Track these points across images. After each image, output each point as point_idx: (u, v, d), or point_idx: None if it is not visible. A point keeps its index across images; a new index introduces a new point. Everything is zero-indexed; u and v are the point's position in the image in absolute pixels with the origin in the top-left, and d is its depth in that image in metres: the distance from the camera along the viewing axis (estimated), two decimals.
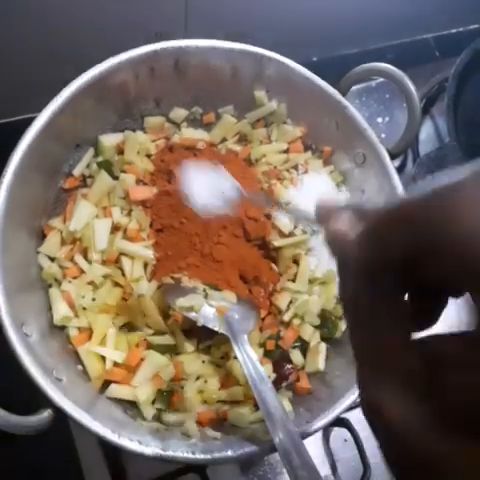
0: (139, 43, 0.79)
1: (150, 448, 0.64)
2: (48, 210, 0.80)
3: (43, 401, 0.63)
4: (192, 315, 0.75)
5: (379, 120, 1.16)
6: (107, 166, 0.82)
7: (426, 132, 1.18)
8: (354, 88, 1.15)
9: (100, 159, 0.83)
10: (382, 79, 1.15)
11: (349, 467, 0.92)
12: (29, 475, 0.84)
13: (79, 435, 0.83)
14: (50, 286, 0.77)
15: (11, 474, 0.84)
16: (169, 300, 0.76)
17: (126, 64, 0.78)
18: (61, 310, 0.74)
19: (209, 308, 0.76)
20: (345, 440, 0.92)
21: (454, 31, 1.30)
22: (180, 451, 0.65)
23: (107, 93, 0.80)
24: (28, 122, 0.72)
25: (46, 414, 0.63)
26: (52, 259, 0.78)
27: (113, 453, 0.84)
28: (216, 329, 0.75)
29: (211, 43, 0.82)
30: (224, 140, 0.91)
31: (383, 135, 1.10)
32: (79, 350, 0.74)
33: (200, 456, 0.65)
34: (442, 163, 0.97)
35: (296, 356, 0.82)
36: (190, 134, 0.89)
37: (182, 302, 0.74)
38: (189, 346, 0.78)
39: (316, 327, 0.83)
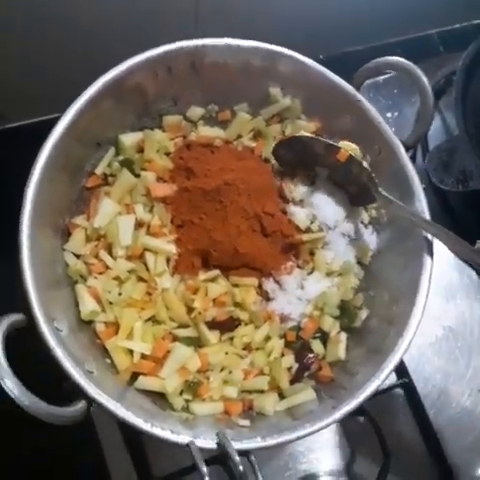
0: (157, 43, 0.80)
1: (182, 436, 0.66)
2: (71, 208, 0.81)
3: (76, 393, 0.65)
4: None
5: (388, 115, 1.17)
6: (128, 164, 0.83)
7: (433, 125, 1.19)
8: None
9: (121, 158, 0.84)
10: (390, 75, 1.18)
11: (367, 455, 0.92)
12: (57, 468, 0.86)
13: (102, 429, 0.85)
14: (76, 282, 0.78)
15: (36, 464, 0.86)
16: None
17: (144, 64, 0.80)
18: (88, 305, 0.76)
19: None
20: (363, 428, 0.92)
21: (457, 26, 1.31)
22: (211, 439, 0.67)
23: (126, 93, 0.81)
24: (50, 122, 0.73)
25: (80, 405, 0.64)
26: (77, 256, 0.79)
27: (136, 446, 0.85)
28: None
29: (226, 41, 0.83)
30: (239, 137, 0.92)
31: (393, 129, 1.11)
32: (106, 344, 0.76)
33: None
34: (453, 155, 0.98)
35: (317, 346, 0.84)
36: (206, 132, 0.90)
37: None
38: (212, 338, 0.79)
39: (336, 317, 0.84)
